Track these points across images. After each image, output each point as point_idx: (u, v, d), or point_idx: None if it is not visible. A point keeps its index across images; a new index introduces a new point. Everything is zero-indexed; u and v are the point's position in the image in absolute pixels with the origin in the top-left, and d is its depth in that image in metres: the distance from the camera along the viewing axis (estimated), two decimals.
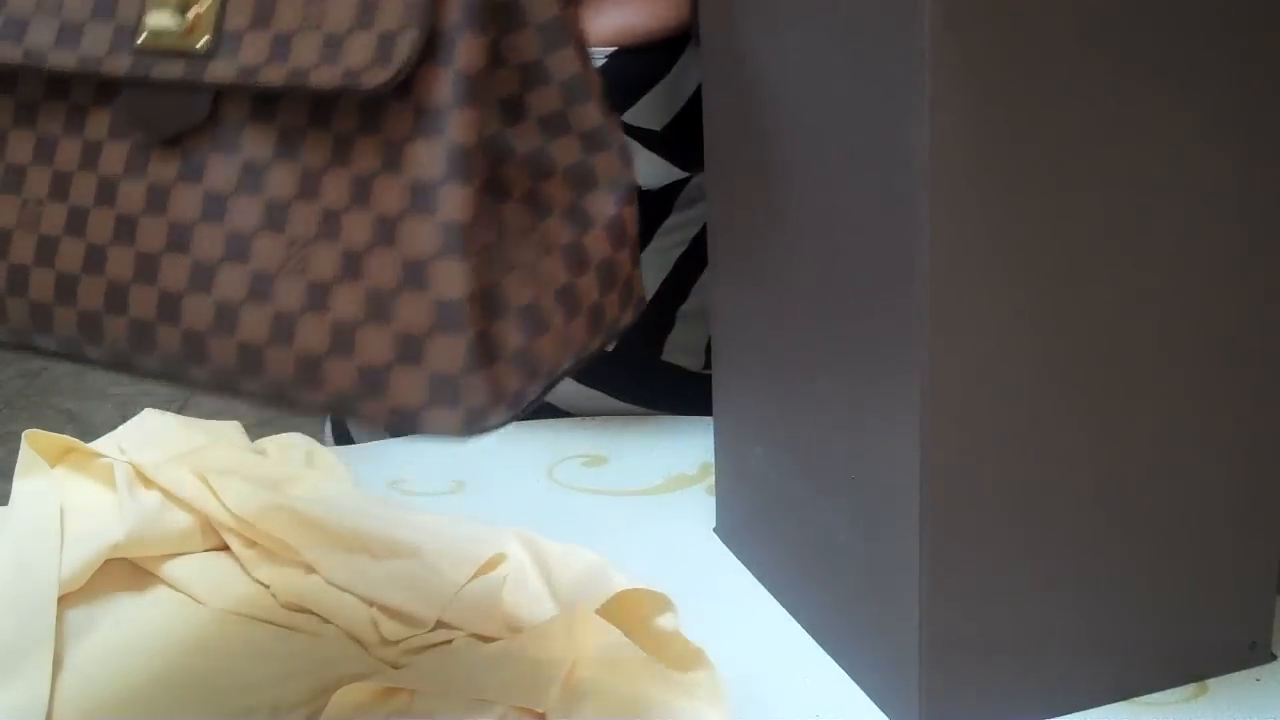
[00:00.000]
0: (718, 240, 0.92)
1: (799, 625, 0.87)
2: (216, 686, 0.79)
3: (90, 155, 0.59)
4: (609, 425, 1.16)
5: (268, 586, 0.87)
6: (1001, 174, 0.68)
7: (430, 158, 0.52)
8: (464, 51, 0.52)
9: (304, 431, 1.07)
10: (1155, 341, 0.73)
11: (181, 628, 0.85)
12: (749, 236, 0.87)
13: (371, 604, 0.82)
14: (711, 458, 0.98)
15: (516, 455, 1.10)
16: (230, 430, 1.03)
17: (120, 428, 1.03)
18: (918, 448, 0.70)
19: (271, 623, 0.84)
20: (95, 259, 0.58)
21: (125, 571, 0.91)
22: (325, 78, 0.53)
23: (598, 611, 0.70)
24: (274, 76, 0.54)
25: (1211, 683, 0.80)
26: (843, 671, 0.82)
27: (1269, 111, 0.72)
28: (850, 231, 0.74)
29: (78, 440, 1.00)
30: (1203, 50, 0.70)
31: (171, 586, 0.90)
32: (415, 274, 0.52)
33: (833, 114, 0.74)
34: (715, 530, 0.99)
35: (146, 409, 1.05)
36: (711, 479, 1.00)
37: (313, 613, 0.84)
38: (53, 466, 0.99)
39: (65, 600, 0.87)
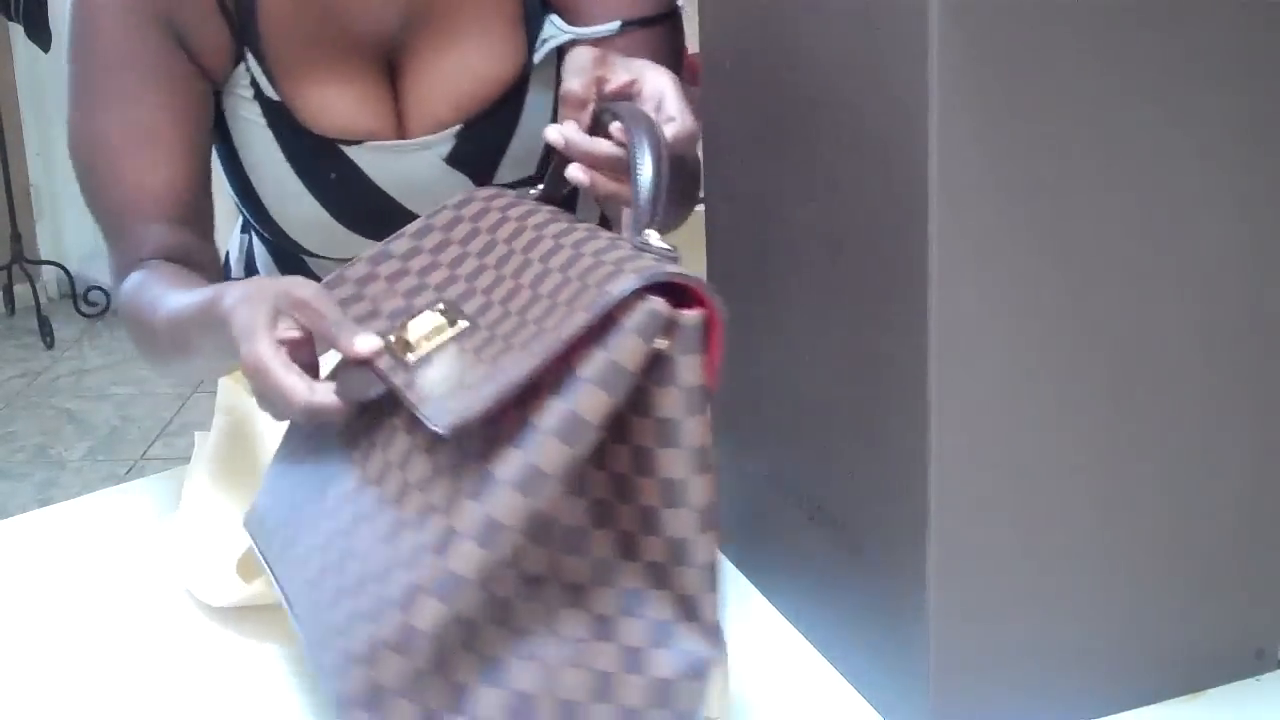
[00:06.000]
0: (716, 247, 0.92)
1: (803, 638, 0.86)
2: None
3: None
4: None
5: None
6: (1007, 180, 0.68)
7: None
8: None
9: None
10: (1161, 351, 0.73)
11: None
12: (749, 244, 0.86)
13: None
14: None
15: None
16: None
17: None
18: (926, 462, 0.70)
19: None
20: None
21: None
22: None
23: None
24: None
25: None
26: (850, 685, 0.81)
27: (1274, 115, 0.72)
28: (855, 239, 0.74)
29: None
30: (1208, 55, 0.69)
31: None
32: None
33: (837, 119, 0.74)
34: None
35: (222, 378, 1.06)
36: None
37: None
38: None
39: None
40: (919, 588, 0.72)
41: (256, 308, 0.79)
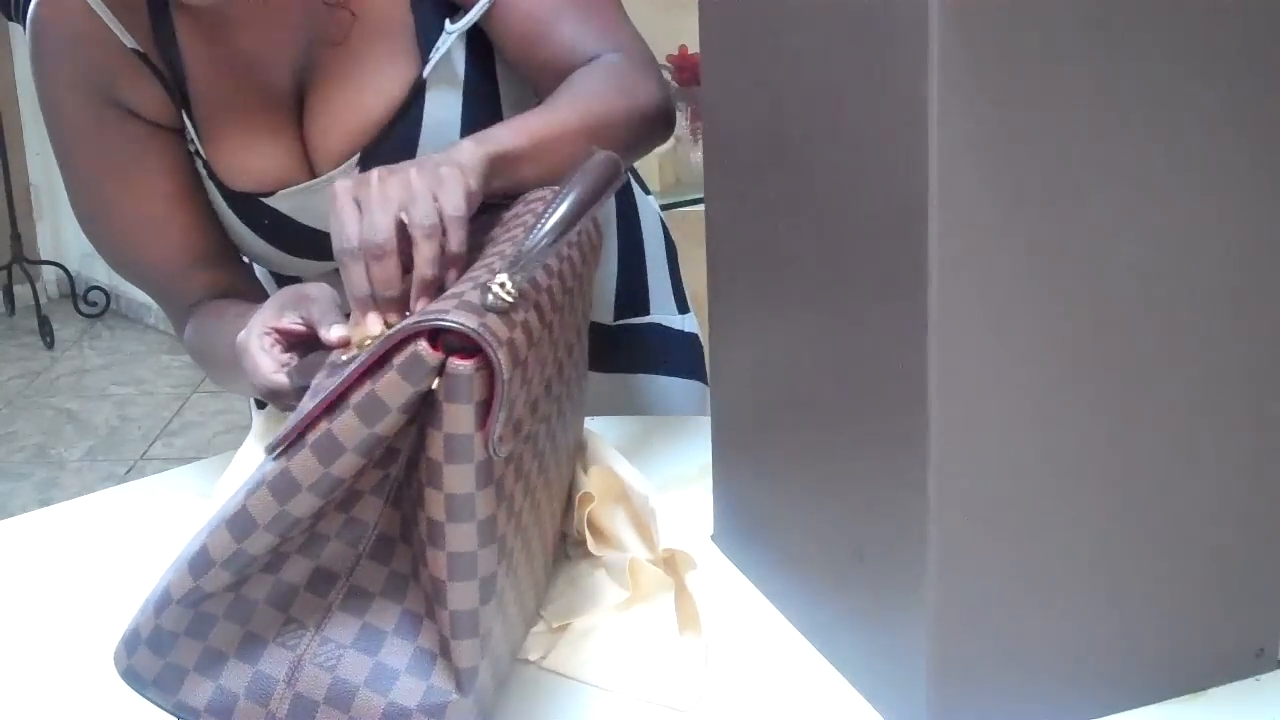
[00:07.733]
0: (717, 248, 0.92)
1: (801, 635, 0.86)
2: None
3: None
4: (607, 425, 1.15)
5: None
6: (1007, 181, 0.68)
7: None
8: None
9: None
10: (1162, 350, 0.73)
11: None
12: (749, 243, 0.86)
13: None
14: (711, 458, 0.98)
15: None
16: None
17: None
18: (926, 462, 0.70)
19: None
20: None
21: None
22: None
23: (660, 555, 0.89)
24: None
25: None
26: (848, 683, 0.81)
27: (1274, 115, 0.72)
28: (854, 238, 0.74)
29: None
30: (1208, 55, 0.69)
31: None
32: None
33: (837, 119, 0.74)
34: (712, 538, 0.98)
35: None
36: (710, 479, 1.00)
37: None
38: None
39: None
40: (918, 588, 0.72)
41: (266, 306, 0.89)
